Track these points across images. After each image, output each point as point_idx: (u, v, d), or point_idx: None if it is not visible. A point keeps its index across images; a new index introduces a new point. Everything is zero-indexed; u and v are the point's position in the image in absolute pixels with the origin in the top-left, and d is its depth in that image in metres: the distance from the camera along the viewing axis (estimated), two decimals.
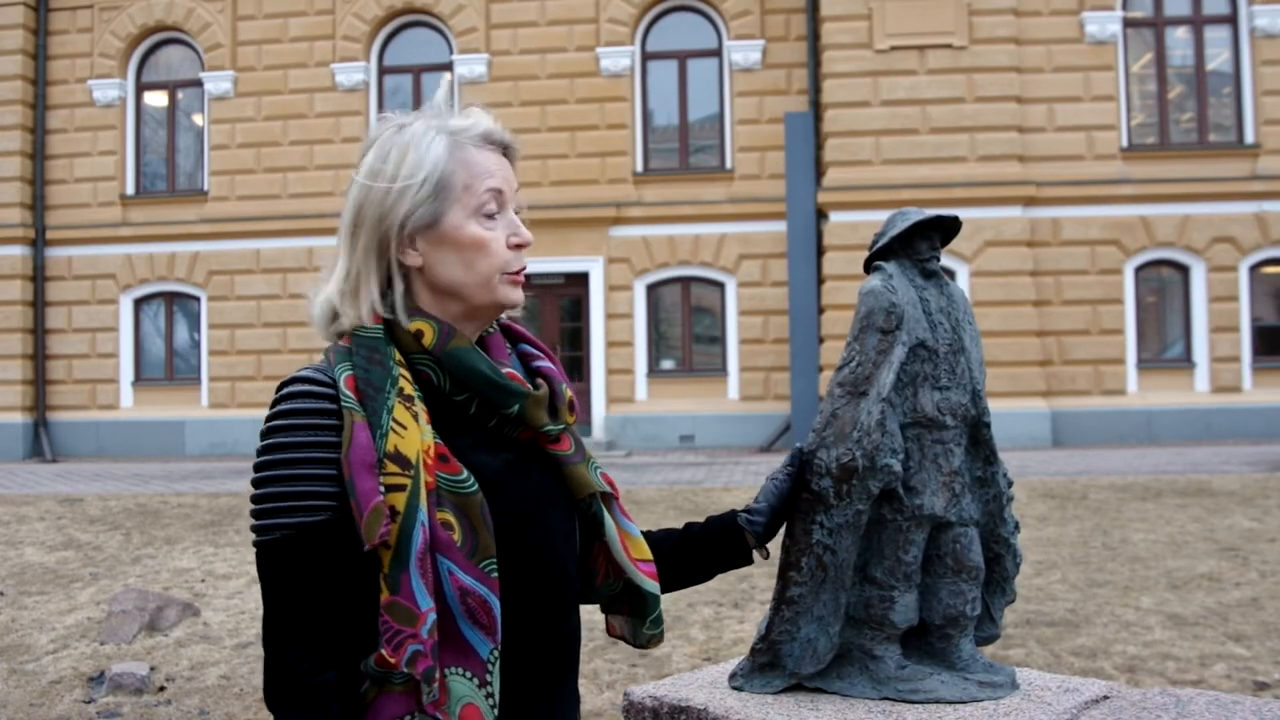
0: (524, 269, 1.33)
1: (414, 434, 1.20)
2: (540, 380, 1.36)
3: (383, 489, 1.16)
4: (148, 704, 4.41)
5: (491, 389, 1.27)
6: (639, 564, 1.40)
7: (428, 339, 1.27)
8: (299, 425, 1.21)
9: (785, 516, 1.59)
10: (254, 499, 1.21)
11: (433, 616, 1.16)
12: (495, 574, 1.20)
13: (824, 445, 1.57)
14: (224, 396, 15.89)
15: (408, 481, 1.17)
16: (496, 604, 1.20)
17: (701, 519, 1.61)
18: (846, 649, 1.63)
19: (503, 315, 1.40)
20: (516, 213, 1.34)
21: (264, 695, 1.20)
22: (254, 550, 1.22)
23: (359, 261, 1.29)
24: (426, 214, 1.28)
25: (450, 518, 1.19)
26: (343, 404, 1.21)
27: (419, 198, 1.27)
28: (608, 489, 1.39)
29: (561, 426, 1.36)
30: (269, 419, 1.22)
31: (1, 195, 15.99)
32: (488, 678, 1.19)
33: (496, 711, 1.20)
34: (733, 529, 1.55)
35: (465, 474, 1.21)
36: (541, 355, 1.41)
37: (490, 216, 1.30)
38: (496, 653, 1.20)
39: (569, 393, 1.39)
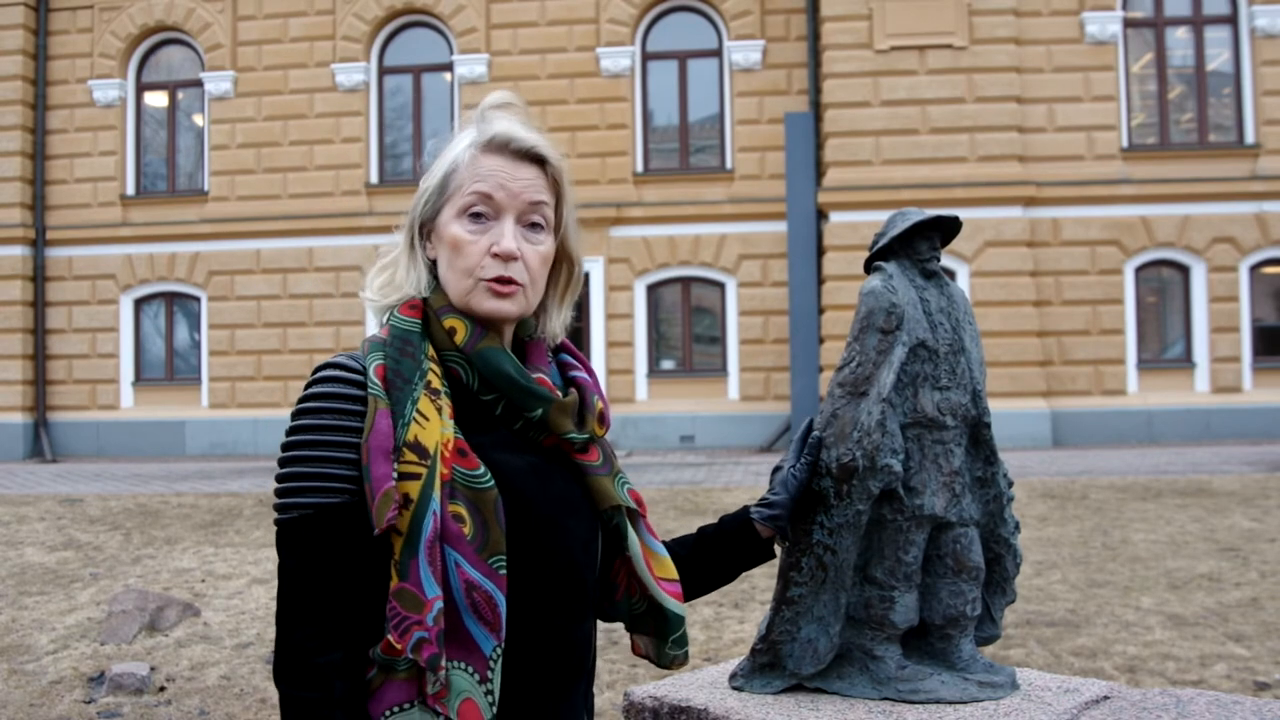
0: (505, 279, 1.29)
1: (435, 426, 1.21)
2: (572, 389, 1.37)
3: (396, 475, 1.18)
4: (148, 704, 4.41)
5: (516, 391, 1.28)
6: (662, 582, 1.39)
7: (460, 336, 1.29)
8: (325, 409, 1.23)
9: (802, 506, 1.59)
10: (277, 478, 1.23)
11: (439, 604, 1.16)
12: (503, 571, 1.21)
13: (825, 445, 1.57)
14: (224, 397, 15.89)
15: (423, 471, 1.19)
16: (502, 601, 1.20)
17: (710, 520, 1.60)
18: (847, 649, 1.63)
19: (556, 333, 1.42)
20: (535, 225, 1.33)
21: (273, 670, 1.21)
22: (275, 529, 1.24)
23: (404, 245, 1.36)
24: (431, 209, 1.34)
25: (462, 510, 1.20)
26: (369, 390, 1.22)
27: (431, 194, 1.34)
28: (632, 505, 1.38)
29: (586, 436, 1.36)
30: (299, 401, 1.25)
31: (2, 195, 15.98)
32: (489, 674, 1.19)
33: (495, 710, 1.20)
34: (747, 526, 1.54)
35: (482, 469, 1.22)
36: (579, 366, 1.42)
37: (477, 218, 1.30)
38: (499, 650, 1.20)
39: (600, 404, 1.39)
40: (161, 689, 4.58)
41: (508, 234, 1.30)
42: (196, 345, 16.22)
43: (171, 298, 16.28)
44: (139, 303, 16.27)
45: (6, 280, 15.97)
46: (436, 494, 1.18)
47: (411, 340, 1.27)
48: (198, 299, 16.15)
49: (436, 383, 1.25)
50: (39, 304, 16.13)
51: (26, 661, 4.93)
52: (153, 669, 4.73)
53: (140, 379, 16.22)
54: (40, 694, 4.53)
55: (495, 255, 1.29)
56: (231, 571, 6.65)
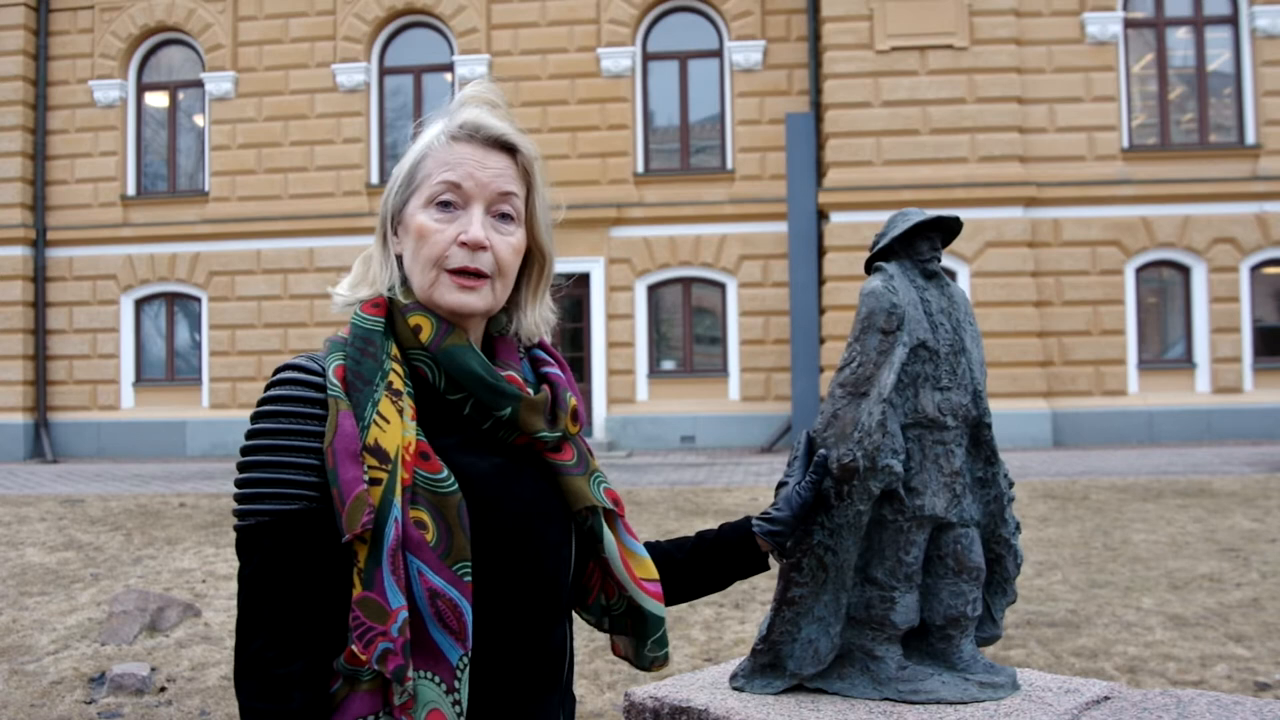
0: (472, 270, 1.25)
1: (396, 429, 1.17)
2: (544, 386, 1.32)
3: (366, 479, 1.14)
4: (149, 704, 4.41)
5: (483, 389, 1.24)
6: (642, 583, 1.35)
7: (425, 334, 1.24)
8: (284, 413, 1.19)
9: (804, 523, 1.58)
10: (236, 484, 1.20)
11: (404, 615, 1.13)
12: (468, 578, 1.17)
13: (825, 446, 1.57)
14: (225, 397, 15.89)
15: (384, 476, 1.15)
16: (468, 609, 1.16)
17: (711, 521, 1.59)
18: (847, 650, 1.63)
19: (532, 332, 1.37)
20: (505, 216, 1.29)
21: (233, 681, 1.18)
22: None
23: (377, 241, 1.33)
24: (399, 201, 1.30)
25: (424, 516, 1.16)
26: (329, 392, 1.19)
27: (399, 186, 1.30)
28: (609, 505, 1.34)
29: (559, 434, 1.31)
30: (258, 404, 1.21)
31: (2, 196, 15.99)
32: (456, 684, 1.15)
33: None
34: (748, 538, 1.52)
35: (445, 473, 1.18)
36: (551, 362, 1.38)
37: (444, 207, 1.26)
38: (466, 659, 1.16)
39: (574, 401, 1.34)
40: (162, 689, 4.58)
41: (476, 222, 1.25)
42: (197, 346, 16.23)
43: (172, 298, 16.29)
44: (139, 303, 16.27)
45: (7, 280, 15.98)
46: (398, 500, 1.14)
47: (373, 339, 1.23)
48: (198, 299, 16.16)
49: (399, 383, 1.21)
50: (39, 304, 16.13)
51: (27, 662, 4.94)
52: (153, 669, 4.73)
53: (141, 379, 16.23)
54: (41, 694, 4.53)
55: (463, 244, 1.25)
56: (232, 572, 6.65)
